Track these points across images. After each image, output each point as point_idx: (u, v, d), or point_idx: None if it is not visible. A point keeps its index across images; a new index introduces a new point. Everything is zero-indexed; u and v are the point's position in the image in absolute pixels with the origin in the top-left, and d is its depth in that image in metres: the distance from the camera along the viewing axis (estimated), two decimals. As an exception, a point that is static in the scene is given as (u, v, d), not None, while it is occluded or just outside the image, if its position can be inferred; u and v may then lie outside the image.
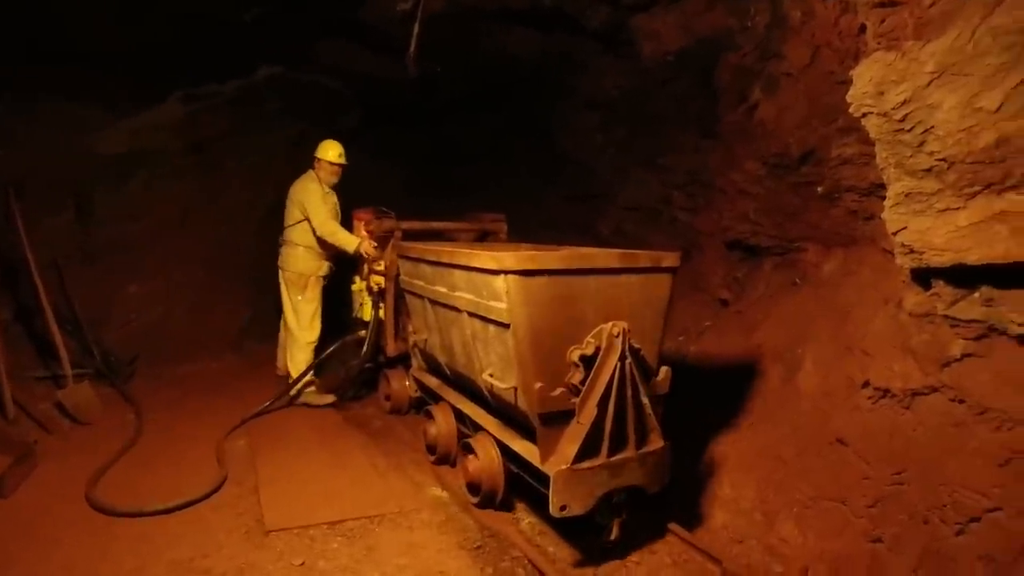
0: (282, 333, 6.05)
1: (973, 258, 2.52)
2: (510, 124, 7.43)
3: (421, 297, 4.27)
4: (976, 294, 2.67)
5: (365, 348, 5.42)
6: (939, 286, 2.79)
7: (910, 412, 2.98)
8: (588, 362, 3.01)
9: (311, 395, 5.70)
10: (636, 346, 3.07)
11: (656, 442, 3.23)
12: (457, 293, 3.59)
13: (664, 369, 3.32)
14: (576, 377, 3.02)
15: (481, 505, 3.71)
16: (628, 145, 6.01)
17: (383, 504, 3.77)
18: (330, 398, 5.75)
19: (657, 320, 3.29)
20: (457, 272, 3.54)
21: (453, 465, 4.27)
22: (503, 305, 3.01)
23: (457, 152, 8.85)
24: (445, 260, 3.69)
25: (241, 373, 6.77)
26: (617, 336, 2.99)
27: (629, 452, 3.14)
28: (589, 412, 2.97)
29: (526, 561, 3.23)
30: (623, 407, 3.05)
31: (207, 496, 3.79)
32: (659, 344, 3.34)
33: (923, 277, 2.87)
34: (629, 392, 3.04)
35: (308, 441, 4.81)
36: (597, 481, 3.05)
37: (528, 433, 3.33)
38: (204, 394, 5.97)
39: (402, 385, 5.36)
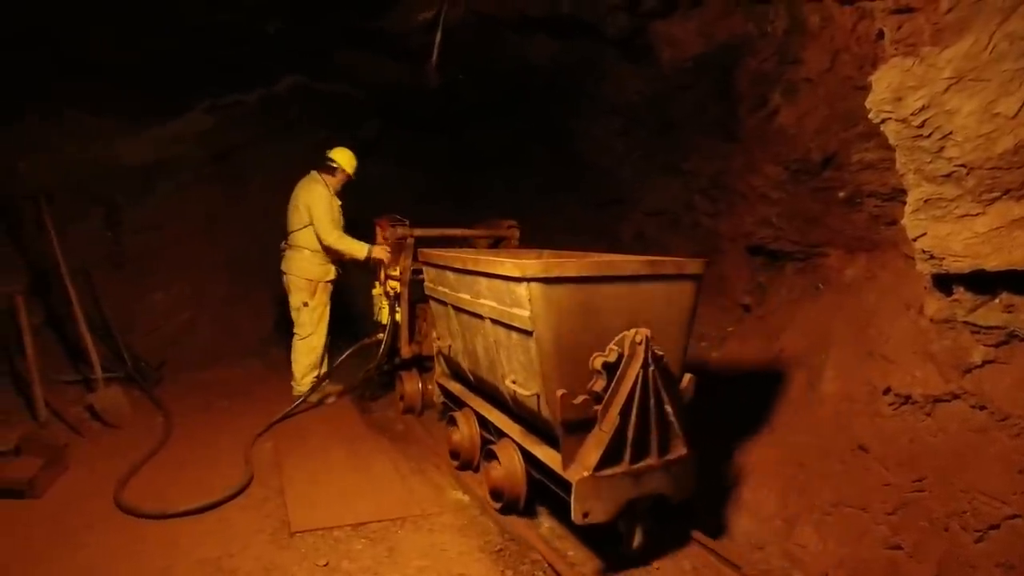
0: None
1: (992, 264, 2.51)
2: (529, 131, 7.46)
3: (445, 304, 4.28)
4: (997, 300, 2.66)
5: (381, 350, 5.61)
6: (959, 292, 2.78)
7: (931, 419, 2.97)
8: (611, 369, 2.98)
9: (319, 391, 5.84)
10: (659, 353, 3.03)
11: (680, 450, 3.21)
12: (481, 300, 3.60)
13: (688, 376, 3.30)
14: (599, 384, 2.99)
15: (504, 511, 3.74)
16: (649, 150, 6.02)
17: (405, 507, 3.82)
18: (338, 388, 6.00)
19: (682, 327, 3.28)
20: (481, 279, 3.55)
21: (476, 470, 4.30)
22: (526, 312, 3.03)
23: (477, 159, 8.89)
24: (469, 267, 3.69)
25: (265, 378, 6.85)
26: (640, 343, 2.97)
27: (652, 460, 3.12)
28: (611, 419, 2.95)
29: (546, 565, 3.25)
30: (646, 414, 3.03)
31: (232, 497, 3.86)
32: (683, 351, 3.32)
33: (944, 283, 2.85)
34: (652, 400, 3.02)
35: (332, 445, 4.86)
36: (620, 488, 3.04)
37: (551, 440, 3.36)
38: (229, 398, 6.07)
39: (415, 387, 5.61)
